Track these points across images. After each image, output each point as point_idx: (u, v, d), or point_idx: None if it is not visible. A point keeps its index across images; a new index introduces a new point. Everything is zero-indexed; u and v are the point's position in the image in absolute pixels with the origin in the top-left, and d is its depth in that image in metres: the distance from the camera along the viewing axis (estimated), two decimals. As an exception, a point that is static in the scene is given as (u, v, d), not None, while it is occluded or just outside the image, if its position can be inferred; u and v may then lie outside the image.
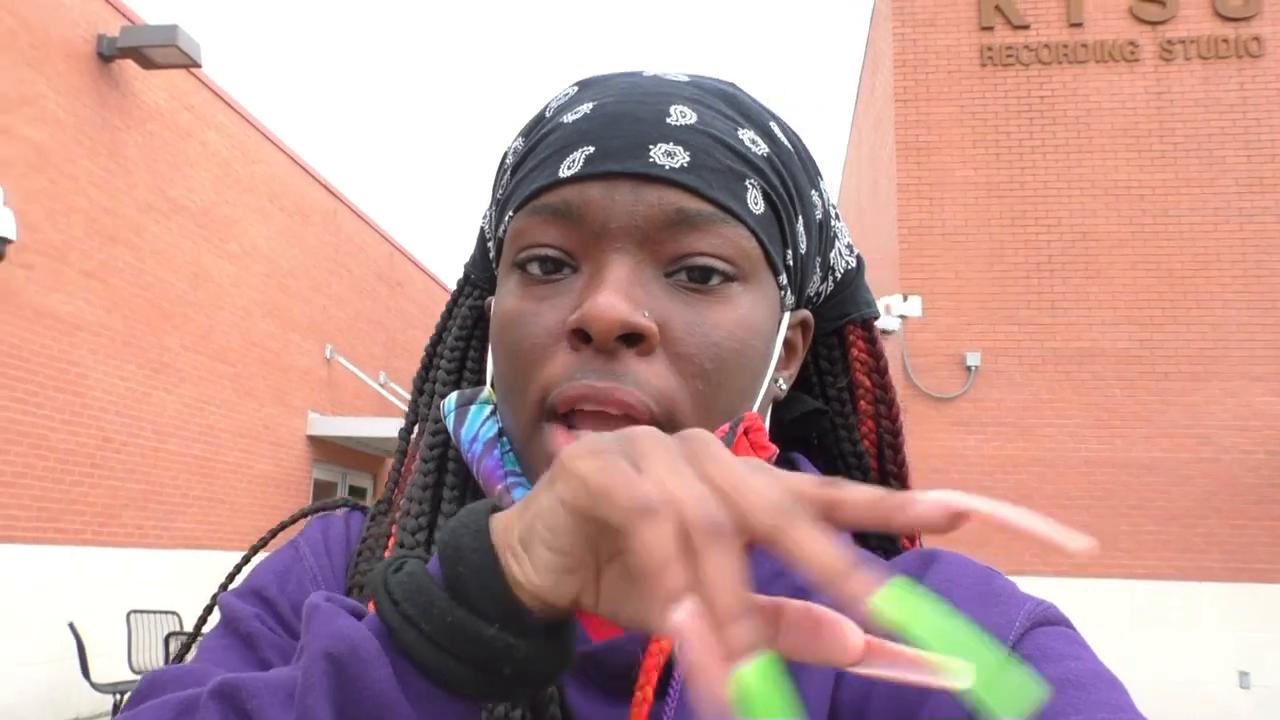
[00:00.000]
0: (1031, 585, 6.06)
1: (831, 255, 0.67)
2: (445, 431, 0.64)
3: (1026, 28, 9.51)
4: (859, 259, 0.71)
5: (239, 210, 9.66)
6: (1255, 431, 8.80)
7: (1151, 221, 9.13)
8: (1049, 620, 0.53)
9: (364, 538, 0.64)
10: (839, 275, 0.69)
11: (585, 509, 0.37)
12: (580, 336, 0.53)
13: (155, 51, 7.57)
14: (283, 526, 0.70)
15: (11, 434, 6.79)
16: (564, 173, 0.56)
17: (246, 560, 0.70)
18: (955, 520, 0.34)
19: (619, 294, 0.53)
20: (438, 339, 0.71)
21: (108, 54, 7.60)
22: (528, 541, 0.40)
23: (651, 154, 0.55)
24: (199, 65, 7.84)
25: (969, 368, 9.04)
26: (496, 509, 0.44)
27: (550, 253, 0.56)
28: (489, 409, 0.61)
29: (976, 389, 9.05)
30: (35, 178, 6.96)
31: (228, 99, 9.42)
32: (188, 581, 8.56)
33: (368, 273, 12.68)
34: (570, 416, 0.54)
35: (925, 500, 0.34)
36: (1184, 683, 8.26)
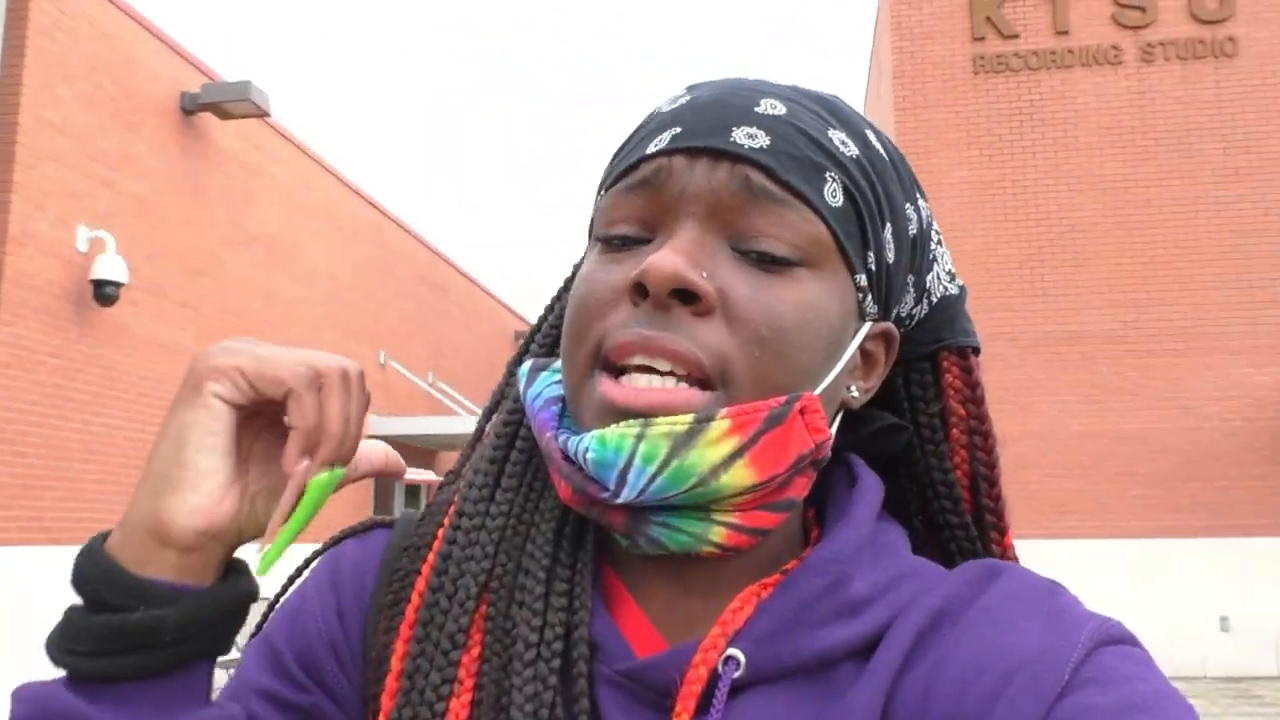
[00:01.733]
0: (1030, 547, 6.98)
1: (929, 278, 0.66)
2: (520, 412, 0.65)
3: (1016, 37, 10.29)
4: (962, 288, 0.69)
5: (302, 234, 10.68)
6: (1233, 401, 9.66)
7: (1135, 212, 9.95)
8: (1114, 639, 0.52)
9: (429, 505, 0.68)
10: (934, 299, 0.67)
11: (244, 393, 0.52)
12: (639, 291, 0.54)
13: (231, 105, 8.55)
14: (307, 563, 0.71)
15: (126, 448, 7.86)
16: (651, 149, 0.58)
17: (279, 596, 0.71)
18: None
19: (681, 252, 0.53)
20: (537, 328, 0.71)
21: (190, 109, 8.59)
22: (179, 463, 0.51)
23: (734, 134, 0.56)
24: (269, 114, 8.82)
25: (969, 353, 9.91)
26: (108, 535, 0.52)
27: (629, 230, 0.58)
28: (558, 375, 0.61)
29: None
30: (137, 225, 7.99)
31: (290, 137, 10.41)
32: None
33: (412, 279, 13.69)
34: (621, 373, 0.55)
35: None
36: (1172, 628, 9.18)
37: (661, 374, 0.53)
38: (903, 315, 0.65)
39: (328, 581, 0.66)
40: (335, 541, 0.70)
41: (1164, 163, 9.98)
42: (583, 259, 0.66)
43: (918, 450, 0.67)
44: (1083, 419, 9.82)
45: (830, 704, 0.53)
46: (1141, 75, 10.12)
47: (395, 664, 0.57)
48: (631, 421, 0.52)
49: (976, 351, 0.69)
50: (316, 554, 0.70)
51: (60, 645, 0.50)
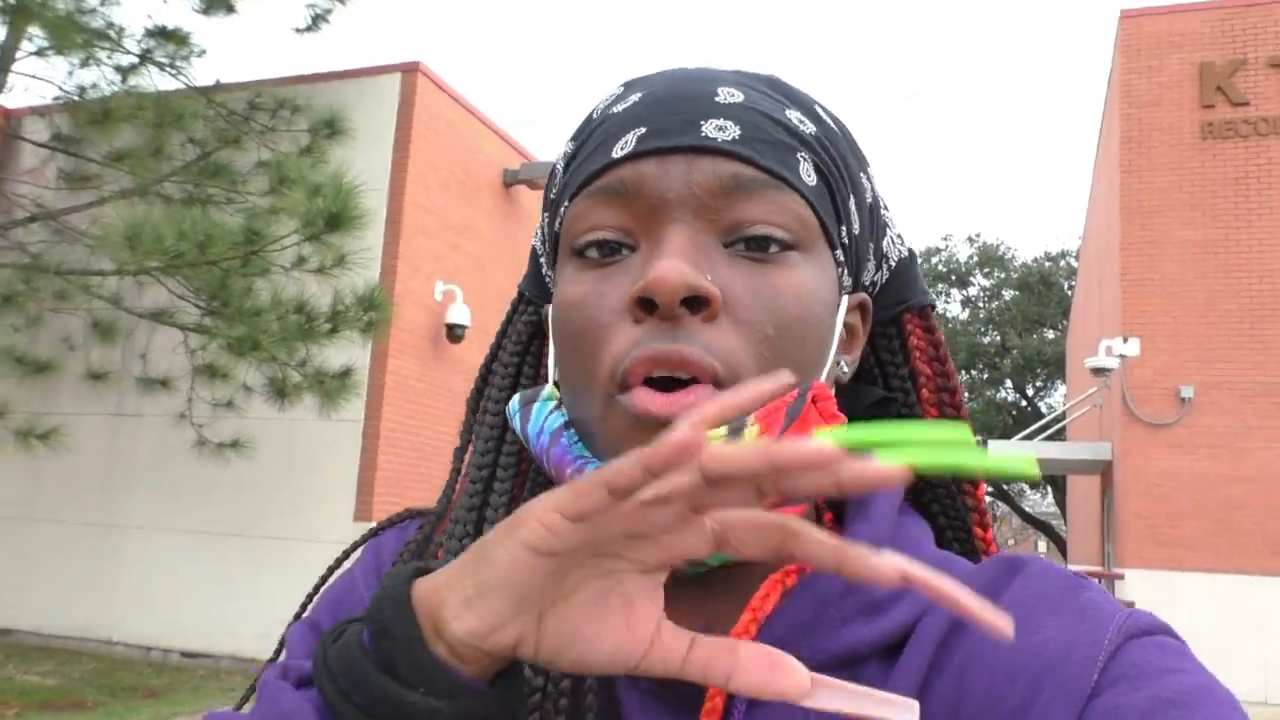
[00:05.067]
0: (1246, 583, 8.05)
1: (884, 243, 0.66)
2: (493, 450, 0.64)
3: (1246, 104, 10.87)
4: (910, 250, 0.70)
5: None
6: None
7: (1361, 272, 10.34)
8: (1143, 630, 0.50)
9: (415, 539, 0.65)
10: (893, 263, 0.68)
11: (554, 548, 0.40)
12: (644, 306, 0.52)
13: (541, 179, 10.65)
14: (348, 552, 0.70)
15: (447, 458, 10.05)
16: (617, 153, 0.56)
17: (323, 581, 0.69)
18: (905, 581, 0.37)
19: (682, 258, 0.52)
20: (493, 357, 0.70)
21: (509, 182, 10.74)
22: (479, 595, 0.42)
23: (703, 128, 0.55)
24: (571, 185, 10.90)
25: (1183, 399, 10.65)
26: (424, 571, 0.46)
27: (608, 235, 0.56)
28: (553, 403, 0.59)
29: (1191, 416, 10.65)
30: (473, 277, 10.18)
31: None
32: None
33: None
34: (643, 386, 0.52)
35: (882, 560, 0.37)
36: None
37: (684, 381, 0.52)
38: (866, 284, 0.65)
39: (373, 568, 0.66)
40: (374, 532, 0.70)
41: (1395, 225, 10.32)
42: (520, 292, 0.69)
43: (894, 414, 0.67)
44: (1299, 466, 10.34)
45: None
46: (1374, 139, 10.47)
47: None
48: None
49: (933, 306, 0.69)
50: (355, 545, 0.70)
51: (334, 676, 0.45)
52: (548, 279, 0.67)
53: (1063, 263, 26.69)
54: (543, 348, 0.69)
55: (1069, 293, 24.97)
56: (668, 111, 0.56)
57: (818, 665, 0.49)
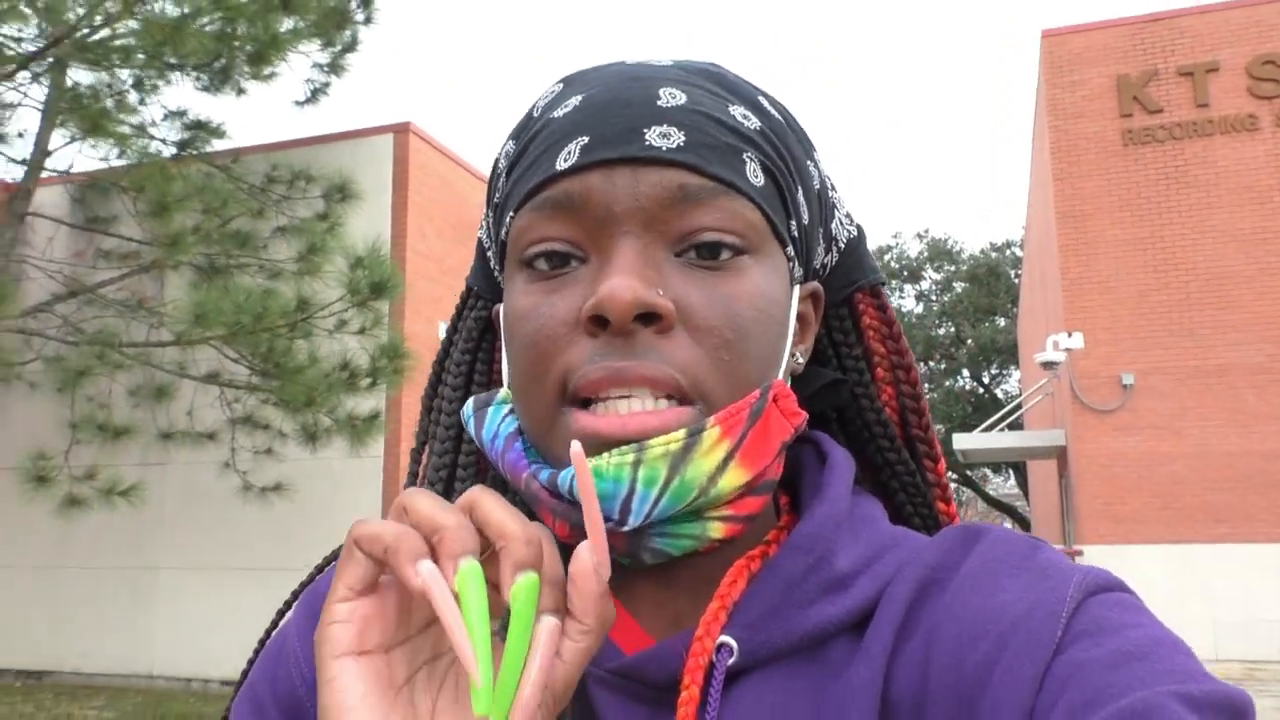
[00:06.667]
0: (1187, 551, 9.05)
1: (833, 225, 0.66)
2: (451, 451, 0.64)
3: (1160, 111, 11.95)
4: (859, 228, 0.69)
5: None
6: (1373, 422, 11.06)
7: (1274, 260, 11.45)
8: (1101, 587, 0.51)
9: None
10: (842, 245, 0.67)
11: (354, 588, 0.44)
12: (597, 322, 0.52)
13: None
14: (282, 612, 0.69)
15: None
16: (561, 165, 0.55)
17: (261, 644, 0.67)
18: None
19: (632, 274, 0.51)
20: (444, 354, 0.69)
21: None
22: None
23: (647, 137, 0.54)
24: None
25: (1125, 385, 11.68)
26: None
27: (556, 246, 0.55)
28: (507, 408, 0.59)
29: (1132, 401, 11.68)
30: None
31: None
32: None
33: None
34: (591, 404, 0.53)
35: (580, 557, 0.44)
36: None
37: (640, 399, 0.52)
38: (817, 267, 0.65)
39: (305, 618, 0.63)
40: (310, 578, 0.68)
41: (1301, 215, 11.45)
42: (469, 286, 0.69)
43: (848, 395, 0.68)
44: (1231, 440, 11.40)
45: (827, 683, 0.53)
46: (1277, 139, 11.59)
47: None
48: (625, 449, 0.50)
49: (884, 284, 0.69)
50: (289, 601, 0.68)
51: None
52: (497, 277, 0.66)
53: (1008, 252, 27.89)
54: (495, 345, 0.68)
55: (1016, 281, 26.18)
56: (609, 118, 0.55)
57: (789, 646, 0.53)
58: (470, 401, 0.62)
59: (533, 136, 0.59)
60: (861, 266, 0.68)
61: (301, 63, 7.87)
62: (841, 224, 0.67)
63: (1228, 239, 11.61)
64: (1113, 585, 0.52)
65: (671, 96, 0.56)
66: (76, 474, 6.95)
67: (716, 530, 0.53)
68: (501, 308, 0.60)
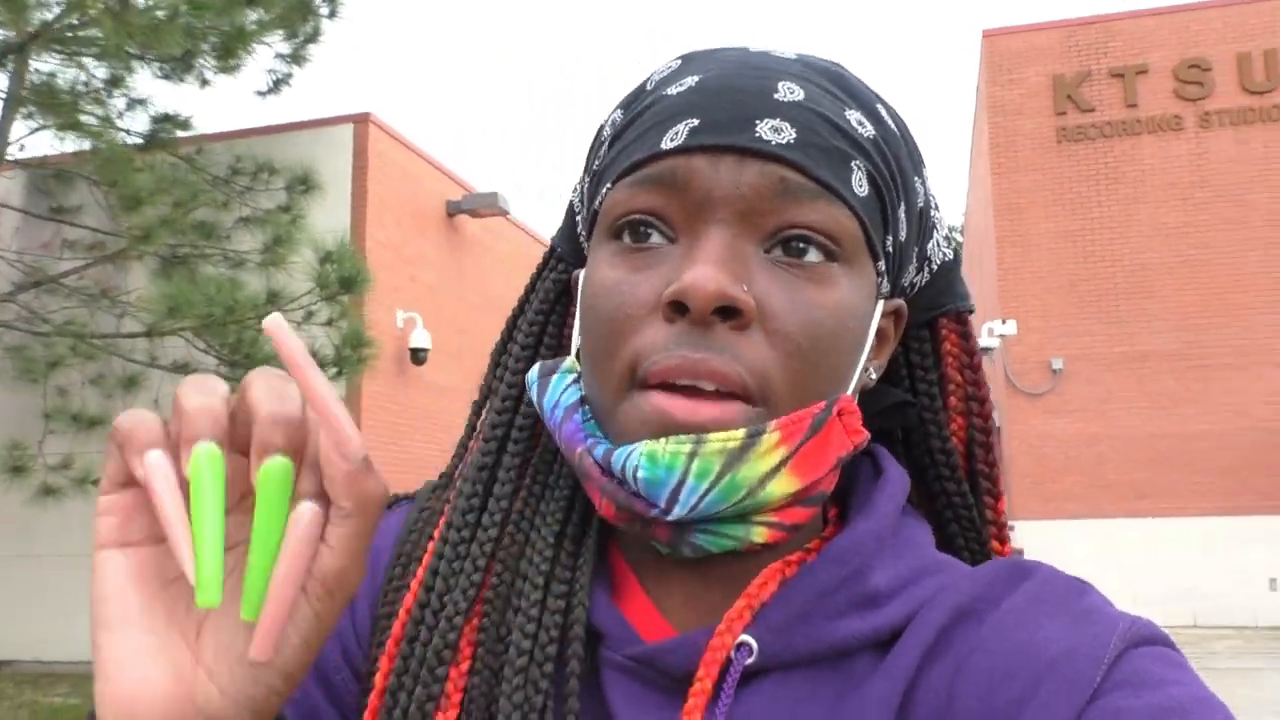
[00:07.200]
0: (1114, 525, 9.73)
1: (929, 246, 0.63)
2: (510, 411, 0.63)
3: (1093, 110, 12.53)
4: (956, 251, 0.67)
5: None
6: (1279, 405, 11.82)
7: (1195, 253, 12.12)
8: (1145, 639, 0.50)
9: (422, 508, 0.65)
10: (935, 266, 0.65)
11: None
12: (676, 308, 0.51)
13: (482, 209, 11.65)
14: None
15: (426, 466, 11.05)
16: (667, 144, 0.54)
17: None
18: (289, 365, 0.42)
19: (718, 266, 0.51)
20: (519, 311, 0.68)
21: (452, 213, 11.71)
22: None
23: (758, 129, 0.53)
24: (509, 214, 11.91)
25: (1055, 370, 12.28)
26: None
27: (648, 219, 0.54)
28: (571, 377, 0.58)
29: (1061, 385, 12.30)
30: (428, 304, 11.16)
31: (513, 220, 13.53)
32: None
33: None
34: (664, 389, 0.52)
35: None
36: (1232, 588, 11.49)
37: (706, 392, 0.51)
38: (905, 285, 0.63)
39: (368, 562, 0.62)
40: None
41: (1219, 211, 12.12)
42: (553, 246, 0.67)
43: (915, 418, 0.65)
44: (1154, 423, 12.07)
45: (845, 694, 0.52)
46: (1200, 139, 12.24)
47: (379, 680, 0.57)
48: (683, 438, 0.50)
49: (971, 313, 0.67)
50: None
51: None
52: (583, 244, 0.65)
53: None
54: (569, 310, 0.66)
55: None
56: (722, 104, 0.54)
57: (811, 655, 0.53)
58: (537, 366, 0.61)
59: (642, 110, 0.58)
60: (951, 291, 0.66)
61: (265, 53, 7.96)
62: (939, 245, 0.65)
63: (1152, 233, 12.25)
64: (1157, 639, 0.50)
65: (790, 91, 0.55)
66: (51, 463, 7.09)
67: (760, 535, 0.52)
68: (582, 274, 0.60)
